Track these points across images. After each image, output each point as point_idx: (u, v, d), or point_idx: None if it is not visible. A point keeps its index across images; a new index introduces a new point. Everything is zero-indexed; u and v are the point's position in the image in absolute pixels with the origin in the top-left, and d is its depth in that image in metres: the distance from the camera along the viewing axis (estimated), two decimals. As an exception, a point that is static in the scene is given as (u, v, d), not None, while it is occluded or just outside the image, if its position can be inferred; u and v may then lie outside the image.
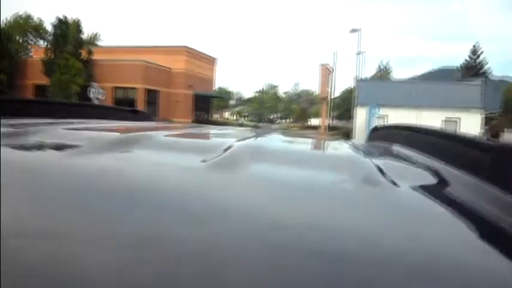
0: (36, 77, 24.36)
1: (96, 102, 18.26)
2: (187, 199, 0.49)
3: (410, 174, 0.73)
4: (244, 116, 61.71)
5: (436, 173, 0.74)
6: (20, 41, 32.17)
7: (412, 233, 0.44)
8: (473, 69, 38.94)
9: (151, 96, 24.92)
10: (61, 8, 75.06)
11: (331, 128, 27.09)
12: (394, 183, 0.61)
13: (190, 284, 0.30)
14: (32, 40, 33.91)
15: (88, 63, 24.38)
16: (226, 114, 61.83)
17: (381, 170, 0.68)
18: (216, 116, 41.25)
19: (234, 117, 60.91)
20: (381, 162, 0.77)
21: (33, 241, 0.35)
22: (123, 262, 0.33)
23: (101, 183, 0.53)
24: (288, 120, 56.54)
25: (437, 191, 0.66)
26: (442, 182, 0.69)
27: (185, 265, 0.33)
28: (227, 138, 1.11)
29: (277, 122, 54.11)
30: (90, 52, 24.91)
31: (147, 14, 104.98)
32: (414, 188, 0.63)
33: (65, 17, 24.80)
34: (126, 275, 0.31)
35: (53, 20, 25.01)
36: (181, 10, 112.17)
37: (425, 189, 0.65)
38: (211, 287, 0.30)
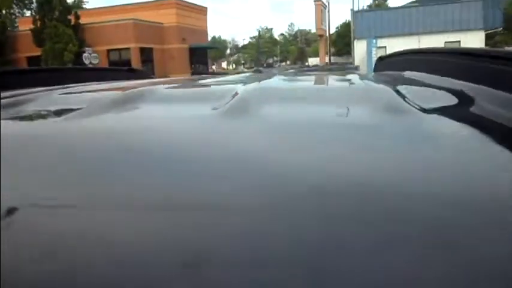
0: (27, 49, 23.83)
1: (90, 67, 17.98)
2: (207, 149, 0.46)
3: (434, 97, 0.69)
4: (242, 64, 60.81)
5: (459, 92, 0.69)
6: (5, 13, 31.28)
7: (455, 160, 0.40)
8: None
9: (146, 55, 24.39)
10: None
11: (331, 65, 26.68)
12: (423, 109, 0.59)
13: (211, 237, 0.27)
14: (18, 12, 32.97)
15: (78, 29, 23.76)
16: (224, 64, 60.84)
17: (403, 97, 0.65)
18: (213, 67, 40.66)
19: (232, 67, 60.03)
20: (401, 88, 0.73)
21: (46, 211, 0.32)
22: (147, 223, 0.29)
23: (109, 143, 0.50)
24: (287, 63, 55.65)
25: (467, 110, 0.62)
26: (469, 100, 0.65)
27: (208, 218, 0.30)
28: (233, 84, 1.09)
29: (276, 65, 53.36)
30: (78, 17, 24.20)
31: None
32: (445, 111, 0.60)
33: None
34: (146, 239, 0.27)
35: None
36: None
37: (455, 110, 0.62)
38: (228, 241, 0.27)
